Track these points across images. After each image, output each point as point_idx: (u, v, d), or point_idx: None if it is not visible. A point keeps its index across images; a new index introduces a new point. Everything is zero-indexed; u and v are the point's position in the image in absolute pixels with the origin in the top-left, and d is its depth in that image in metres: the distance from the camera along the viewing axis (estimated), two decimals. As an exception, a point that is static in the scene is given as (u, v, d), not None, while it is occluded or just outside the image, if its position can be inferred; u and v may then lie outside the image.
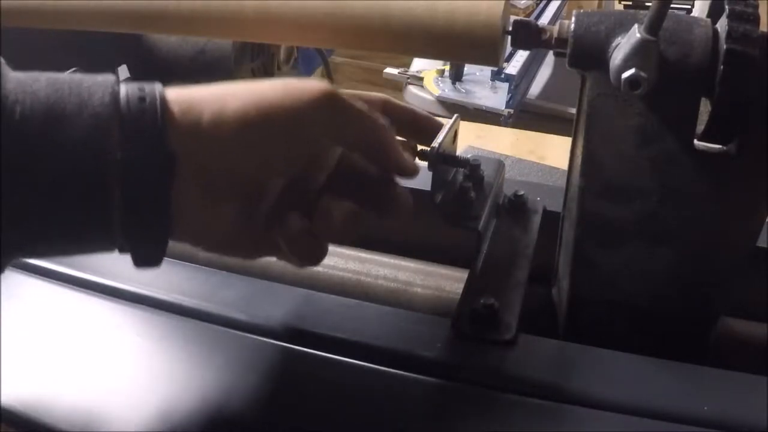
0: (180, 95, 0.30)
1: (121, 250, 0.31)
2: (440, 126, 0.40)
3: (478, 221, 0.42)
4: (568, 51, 0.36)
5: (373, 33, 0.40)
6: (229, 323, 0.40)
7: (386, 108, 0.39)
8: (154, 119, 0.28)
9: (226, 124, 0.30)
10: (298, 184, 0.35)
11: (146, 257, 0.32)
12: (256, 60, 0.74)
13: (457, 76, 1.39)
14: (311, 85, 0.32)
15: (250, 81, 0.32)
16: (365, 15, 0.40)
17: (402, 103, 0.39)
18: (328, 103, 0.32)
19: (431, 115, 0.40)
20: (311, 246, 0.35)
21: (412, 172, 0.36)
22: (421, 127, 0.40)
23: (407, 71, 1.48)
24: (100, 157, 0.27)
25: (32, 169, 0.26)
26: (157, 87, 0.29)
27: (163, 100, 0.29)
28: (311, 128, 0.32)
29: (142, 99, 0.28)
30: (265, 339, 0.39)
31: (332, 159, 0.36)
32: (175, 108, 0.29)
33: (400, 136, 0.39)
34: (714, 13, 0.37)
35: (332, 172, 0.37)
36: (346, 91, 0.37)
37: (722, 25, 0.34)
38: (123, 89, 0.29)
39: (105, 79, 0.29)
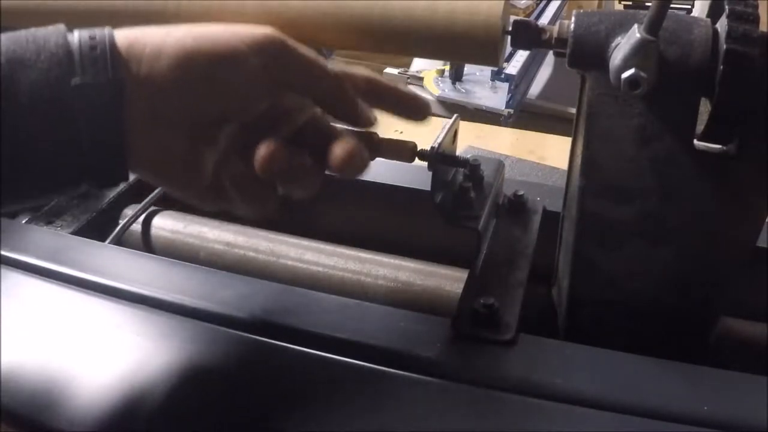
0: (128, 32, 0.32)
1: (87, 176, 0.32)
2: (426, 104, 0.39)
3: (478, 221, 0.42)
4: (568, 51, 0.36)
5: (373, 33, 0.40)
6: (229, 323, 0.40)
7: (370, 85, 0.38)
8: (104, 51, 0.31)
9: (164, 57, 0.31)
10: (252, 128, 0.35)
11: (109, 173, 0.33)
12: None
13: (457, 76, 1.39)
14: (256, 28, 0.33)
15: (200, 23, 0.34)
16: (365, 15, 0.39)
17: (387, 81, 0.39)
18: (271, 46, 0.33)
19: (416, 93, 0.40)
20: (254, 188, 0.36)
21: (366, 121, 0.37)
22: (406, 104, 0.39)
23: (407, 71, 1.48)
24: (59, 89, 0.30)
25: (2, 107, 0.29)
26: (107, 29, 0.32)
27: (111, 36, 0.31)
28: (250, 70, 0.33)
29: (92, 38, 0.31)
30: (265, 339, 0.39)
31: (288, 108, 0.36)
32: (122, 42, 0.31)
33: (389, 113, 0.39)
34: (714, 13, 0.37)
35: (290, 117, 0.37)
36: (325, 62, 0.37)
37: (722, 25, 0.34)
38: (75, 32, 0.31)
39: (56, 27, 0.32)
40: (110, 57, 0.31)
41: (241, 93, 0.33)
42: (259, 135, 0.34)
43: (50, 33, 0.31)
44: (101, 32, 0.32)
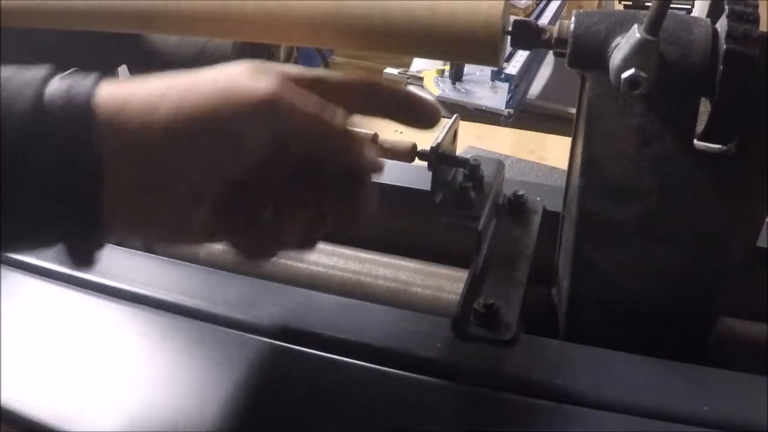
0: (113, 94, 0.29)
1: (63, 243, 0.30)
2: (433, 107, 0.38)
3: (478, 221, 0.42)
4: (568, 51, 0.36)
5: (373, 33, 0.40)
6: (229, 323, 0.40)
7: (372, 92, 0.36)
8: (81, 121, 0.28)
9: (154, 130, 0.29)
10: (251, 182, 0.33)
11: (81, 255, 0.31)
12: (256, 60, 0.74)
13: (457, 76, 1.39)
14: (252, 89, 0.30)
15: (193, 75, 0.30)
16: (365, 15, 0.39)
17: (390, 85, 0.37)
18: (270, 108, 0.30)
19: (423, 96, 0.38)
20: (261, 256, 0.35)
21: (373, 168, 0.35)
22: (413, 108, 0.37)
23: (407, 71, 1.48)
24: (30, 161, 0.27)
25: None
26: (88, 84, 0.29)
27: (89, 103, 0.28)
28: (251, 134, 0.30)
29: (68, 100, 0.28)
30: (264, 339, 0.39)
31: (287, 158, 0.34)
32: (106, 108, 0.28)
33: (393, 119, 0.37)
34: (714, 13, 0.37)
35: (293, 171, 0.35)
36: (318, 74, 0.35)
37: (722, 25, 0.34)
38: (51, 88, 0.28)
39: (34, 76, 0.28)
40: (87, 128, 0.28)
41: (243, 157, 0.31)
42: (255, 181, 0.33)
43: (25, 85, 0.28)
44: (80, 90, 0.28)
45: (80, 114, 0.28)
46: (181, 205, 0.31)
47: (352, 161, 0.34)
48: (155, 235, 0.34)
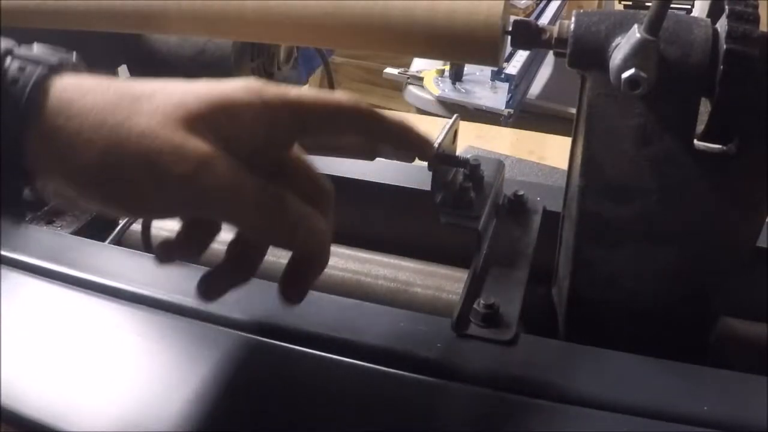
0: (62, 96, 0.28)
1: None
2: (427, 144, 0.37)
3: (478, 221, 0.42)
4: (568, 51, 0.36)
5: (373, 33, 0.40)
6: (229, 323, 0.40)
7: (370, 120, 0.34)
8: (23, 89, 0.27)
9: (76, 163, 0.28)
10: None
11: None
12: (256, 60, 0.74)
13: (457, 76, 1.39)
14: (178, 163, 0.28)
15: (134, 113, 0.28)
16: (365, 15, 0.39)
17: (389, 119, 0.34)
18: (191, 185, 0.28)
19: (418, 132, 0.36)
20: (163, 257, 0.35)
21: (306, 251, 0.33)
22: (411, 142, 0.36)
23: (407, 71, 1.48)
24: None
25: None
26: (36, 77, 0.28)
27: (34, 98, 0.27)
28: (167, 201, 0.29)
29: (21, 68, 0.27)
30: (264, 339, 0.39)
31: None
32: (46, 113, 0.27)
33: (392, 146, 0.36)
34: (714, 13, 0.37)
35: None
36: (304, 99, 0.32)
37: (722, 25, 0.34)
38: (8, 60, 0.28)
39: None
40: (28, 95, 0.27)
41: (156, 210, 0.30)
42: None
43: None
44: (33, 68, 0.28)
45: (23, 97, 0.27)
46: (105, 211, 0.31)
47: (274, 238, 0.32)
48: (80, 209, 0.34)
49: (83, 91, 0.28)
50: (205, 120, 0.29)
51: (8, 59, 0.28)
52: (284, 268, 0.34)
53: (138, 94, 0.29)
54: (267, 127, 0.31)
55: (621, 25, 0.35)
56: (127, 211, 0.31)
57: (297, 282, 0.34)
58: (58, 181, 0.29)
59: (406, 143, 0.36)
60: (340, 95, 0.33)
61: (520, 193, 0.50)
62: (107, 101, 0.28)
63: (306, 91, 0.33)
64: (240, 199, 0.29)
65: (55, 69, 0.28)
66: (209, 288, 0.35)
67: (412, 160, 0.41)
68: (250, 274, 0.36)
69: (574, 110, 0.41)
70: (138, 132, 0.28)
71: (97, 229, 0.53)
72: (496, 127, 1.10)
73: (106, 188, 0.28)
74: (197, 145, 0.28)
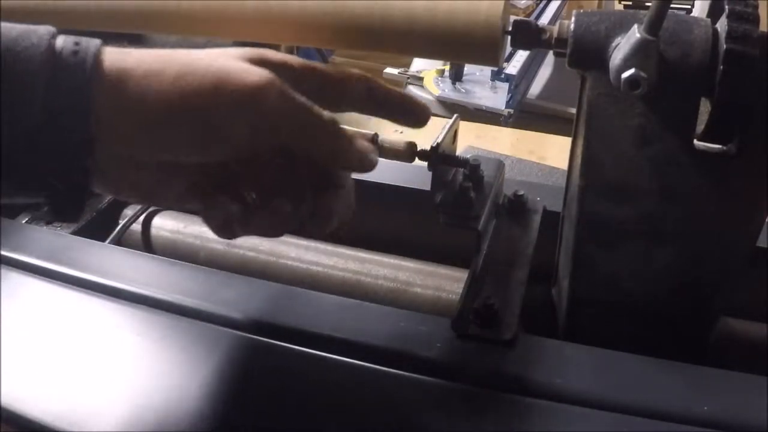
0: (115, 63, 0.29)
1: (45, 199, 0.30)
2: (426, 109, 0.38)
3: (478, 221, 0.42)
4: (568, 51, 0.36)
5: (373, 33, 0.40)
6: (229, 323, 0.40)
7: (370, 92, 0.37)
8: (86, 73, 0.28)
9: (150, 103, 0.29)
10: (231, 163, 0.34)
11: (63, 209, 0.31)
12: (256, 60, 0.74)
13: (457, 76, 1.39)
14: (249, 76, 0.30)
15: (194, 53, 0.31)
16: (365, 15, 0.39)
17: (385, 86, 0.37)
18: (265, 98, 0.30)
19: (416, 98, 0.39)
20: (228, 236, 0.35)
21: (359, 169, 0.35)
22: (406, 109, 0.38)
23: (407, 71, 1.48)
24: (35, 111, 0.27)
25: None
26: (95, 42, 0.29)
27: (96, 57, 0.29)
28: (242, 123, 0.31)
29: (77, 43, 0.29)
30: (265, 339, 0.39)
31: (271, 147, 0.34)
32: (110, 68, 0.29)
33: (387, 118, 0.38)
34: (714, 13, 0.37)
35: (274, 161, 0.35)
36: (321, 67, 0.36)
37: (722, 25, 0.34)
38: (60, 41, 0.29)
39: (44, 30, 0.29)
40: (90, 64, 0.28)
41: (225, 139, 0.31)
42: (235, 163, 0.33)
43: (37, 28, 0.29)
44: (87, 42, 0.29)
45: (86, 66, 0.28)
46: (162, 175, 0.32)
47: (338, 158, 0.34)
48: (132, 196, 0.34)
49: (136, 53, 0.30)
50: (257, 62, 0.32)
51: (60, 37, 0.29)
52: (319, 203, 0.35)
53: (187, 50, 0.31)
54: (294, 85, 0.33)
55: (621, 25, 0.35)
56: (201, 147, 0.31)
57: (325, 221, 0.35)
58: (130, 133, 0.29)
59: (406, 108, 0.38)
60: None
61: (520, 193, 0.50)
62: (164, 52, 0.30)
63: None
64: (308, 114, 0.32)
65: (102, 44, 0.30)
66: (272, 224, 0.34)
67: (412, 160, 0.41)
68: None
69: (574, 110, 0.41)
70: (205, 62, 0.30)
71: (97, 229, 0.53)
72: (496, 127, 1.10)
73: (179, 119, 0.29)
74: (261, 70, 0.31)
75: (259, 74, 0.31)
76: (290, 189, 0.35)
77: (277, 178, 0.35)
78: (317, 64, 0.36)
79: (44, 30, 0.29)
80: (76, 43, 0.29)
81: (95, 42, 0.29)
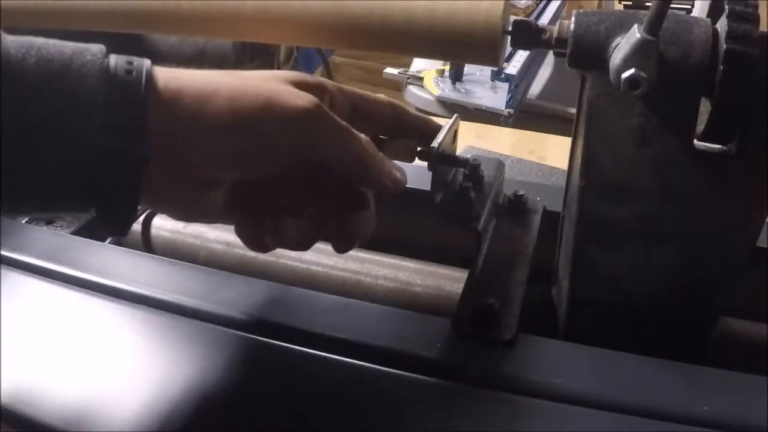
0: (168, 83, 0.30)
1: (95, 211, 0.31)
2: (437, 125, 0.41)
3: (478, 221, 0.42)
4: (568, 51, 0.36)
5: (373, 33, 0.40)
6: (229, 323, 0.40)
7: (394, 114, 0.40)
8: (139, 76, 0.29)
9: (203, 122, 0.30)
10: (269, 179, 0.35)
11: (113, 224, 0.32)
12: (256, 60, 0.74)
13: (457, 76, 1.39)
14: (297, 100, 0.32)
15: (242, 75, 0.33)
16: (365, 15, 0.40)
17: (412, 112, 0.40)
18: (311, 120, 0.33)
19: (435, 122, 0.42)
20: (261, 249, 0.37)
21: (391, 190, 0.37)
22: (427, 133, 0.41)
23: (407, 71, 1.48)
24: (89, 129, 0.28)
25: (21, 133, 0.27)
26: (147, 62, 0.30)
27: (150, 76, 0.30)
28: (288, 143, 0.33)
29: (129, 62, 0.29)
30: (265, 339, 0.39)
31: (309, 166, 0.36)
32: (164, 87, 0.30)
33: (409, 138, 0.41)
34: (714, 13, 0.37)
35: (309, 178, 0.37)
36: (352, 90, 0.38)
37: (722, 25, 0.34)
38: (112, 60, 0.29)
39: (94, 60, 0.29)
40: (145, 83, 0.29)
41: (270, 159, 0.33)
42: (273, 179, 0.35)
43: (89, 46, 0.29)
44: (139, 61, 0.30)
45: (141, 85, 0.29)
46: (206, 191, 0.33)
47: (372, 179, 0.36)
48: (176, 212, 0.36)
49: (187, 73, 0.31)
50: (299, 85, 0.34)
51: (112, 56, 0.30)
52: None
53: (235, 72, 0.34)
54: (329, 104, 0.36)
55: (621, 25, 0.35)
56: (250, 164, 0.32)
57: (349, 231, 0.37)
58: (184, 150, 0.31)
59: (427, 130, 0.41)
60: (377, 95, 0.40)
61: (520, 193, 0.50)
62: (214, 73, 0.32)
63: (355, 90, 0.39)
64: (349, 136, 0.34)
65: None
66: (302, 236, 0.36)
67: (412, 160, 0.41)
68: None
69: (574, 110, 0.41)
70: (255, 83, 0.32)
71: (97, 229, 0.53)
72: (496, 127, 1.10)
73: (232, 138, 0.31)
74: (306, 94, 0.33)
75: (306, 98, 0.33)
76: (319, 206, 0.37)
77: (308, 195, 0.37)
78: (348, 88, 0.38)
79: (96, 48, 0.29)
80: (129, 62, 0.30)
81: (147, 62, 0.30)
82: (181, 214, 0.36)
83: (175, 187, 0.32)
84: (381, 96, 0.40)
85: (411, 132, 0.41)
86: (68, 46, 0.29)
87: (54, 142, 0.28)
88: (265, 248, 0.37)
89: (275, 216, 0.36)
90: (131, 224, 0.32)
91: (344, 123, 0.34)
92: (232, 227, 0.36)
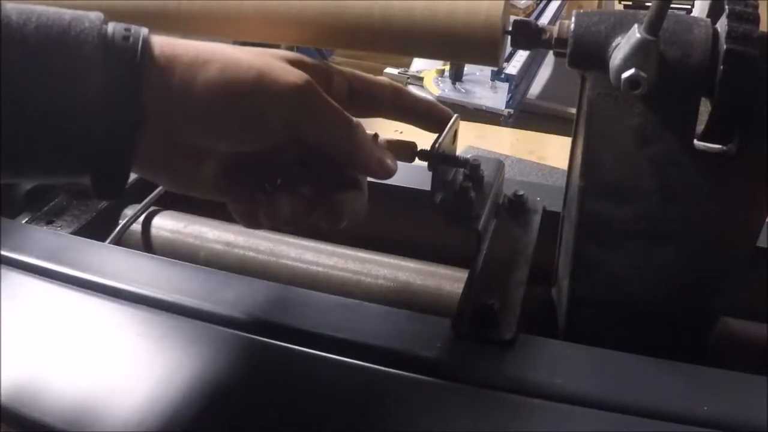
0: (164, 50, 0.31)
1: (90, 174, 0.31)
2: (449, 114, 0.41)
3: (478, 221, 0.42)
4: (568, 51, 0.36)
5: (373, 33, 0.40)
6: (229, 323, 0.40)
7: (397, 97, 0.40)
8: (135, 42, 0.30)
9: (195, 91, 0.31)
10: (261, 155, 0.35)
11: (106, 188, 0.32)
12: (256, 60, 0.73)
13: (457, 76, 1.39)
14: (289, 75, 0.32)
15: (238, 48, 0.33)
16: (365, 15, 0.39)
17: (413, 94, 0.40)
18: (302, 98, 0.33)
19: (440, 104, 0.41)
20: (254, 225, 0.37)
21: (380, 175, 0.37)
22: (433, 116, 0.41)
23: (407, 71, 1.48)
24: (83, 66, 0.29)
25: (20, 97, 0.28)
26: (144, 30, 0.30)
27: (147, 42, 0.30)
28: (277, 118, 0.32)
29: (126, 29, 0.30)
30: (265, 339, 0.39)
31: (300, 144, 0.36)
32: (159, 54, 0.30)
33: (412, 124, 0.41)
34: (714, 13, 0.37)
35: (300, 156, 0.37)
36: (351, 72, 0.38)
37: (722, 25, 0.34)
38: (110, 27, 0.30)
39: (96, 16, 0.30)
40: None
41: (261, 133, 0.33)
42: (265, 155, 0.35)
43: (87, 14, 0.30)
44: (137, 29, 0.31)
45: (137, 51, 0.30)
46: (198, 162, 0.34)
47: (359, 162, 0.36)
48: (168, 181, 0.36)
49: (183, 42, 0.32)
50: (294, 64, 0.34)
51: (111, 23, 0.30)
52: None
53: (231, 45, 0.34)
54: (326, 89, 0.35)
55: (621, 25, 0.35)
56: (239, 136, 0.33)
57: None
58: (175, 117, 0.31)
59: (431, 117, 0.41)
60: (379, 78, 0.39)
61: (520, 193, 0.50)
62: (210, 44, 0.32)
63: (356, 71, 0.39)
64: (339, 118, 0.34)
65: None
66: (293, 213, 0.36)
67: (412, 160, 0.41)
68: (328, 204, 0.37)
69: (574, 110, 0.41)
70: (249, 57, 0.32)
71: (97, 229, 0.53)
72: (496, 127, 1.10)
73: (222, 108, 0.31)
74: (299, 71, 0.33)
75: (298, 75, 0.33)
76: (310, 184, 0.37)
77: (299, 172, 0.37)
78: (348, 70, 0.38)
79: (95, 15, 0.30)
80: (127, 29, 0.30)
81: (144, 29, 0.31)
82: (173, 184, 0.36)
83: (167, 154, 0.33)
84: (382, 78, 0.40)
85: (413, 115, 0.41)
86: (67, 13, 0.29)
87: (52, 106, 0.28)
88: (258, 224, 0.37)
89: (268, 192, 0.36)
90: (123, 189, 0.32)
91: (336, 105, 0.34)
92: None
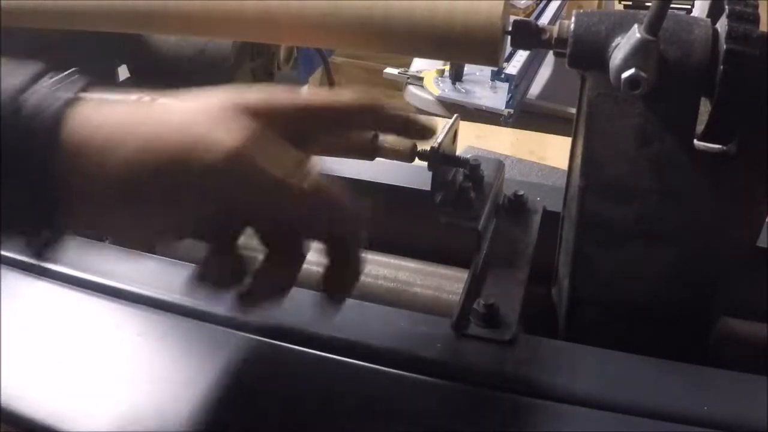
0: (81, 127, 0.28)
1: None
2: (432, 124, 0.38)
3: (478, 221, 0.42)
4: (568, 51, 0.36)
5: (373, 33, 0.40)
6: (230, 323, 0.40)
7: (375, 115, 0.36)
8: (45, 139, 0.27)
9: (110, 173, 0.28)
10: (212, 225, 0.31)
11: (38, 251, 0.30)
12: (256, 60, 0.74)
13: (457, 76, 1.39)
14: (218, 145, 0.28)
15: (169, 113, 0.30)
16: (365, 15, 0.39)
17: (392, 109, 0.36)
18: (233, 167, 0.28)
19: (420, 117, 0.37)
20: (221, 289, 0.33)
21: (348, 232, 0.34)
22: (412, 129, 0.37)
23: (407, 71, 1.48)
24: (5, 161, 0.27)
25: None
26: (60, 103, 0.28)
27: (56, 125, 0.28)
28: (210, 190, 0.29)
29: (37, 114, 0.28)
30: (265, 339, 0.39)
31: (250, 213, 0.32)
32: (74, 133, 0.28)
33: (398, 135, 0.38)
34: (714, 13, 0.37)
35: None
36: (310, 101, 0.34)
37: (722, 25, 0.34)
38: (28, 95, 0.28)
39: (18, 80, 0.28)
40: (51, 129, 0.27)
41: (194, 208, 0.29)
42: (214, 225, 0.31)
43: (12, 85, 0.28)
44: (60, 99, 0.28)
45: (45, 132, 0.27)
46: (137, 234, 0.31)
47: (314, 230, 0.33)
48: (116, 239, 0.34)
49: (104, 112, 0.29)
50: (234, 114, 0.30)
51: (30, 91, 0.28)
52: (324, 273, 0.35)
53: (162, 100, 0.30)
54: (282, 130, 0.31)
55: (621, 25, 0.35)
56: (163, 220, 0.30)
57: (337, 284, 0.35)
58: (90, 199, 0.28)
59: (411, 129, 0.37)
60: (344, 94, 0.34)
61: (520, 193, 0.50)
62: (136, 115, 0.29)
63: (311, 95, 0.34)
64: (280, 187, 0.30)
65: (72, 100, 0.29)
66: (247, 298, 0.33)
67: (411, 160, 0.41)
68: (290, 279, 0.34)
69: (574, 110, 0.41)
70: (176, 127, 0.29)
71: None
72: (496, 127, 1.10)
73: (144, 191, 0.28)
74: (236, 134, 0.29)
75: (233, 138, 0.29)
76: (287, 254, 0.33)
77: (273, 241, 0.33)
78: (319, 101, 0.34)
79: (20, 78, 0.28)
80: (46, 99, 0.28)
81: (60, 102, 0.28)
82: (124, 244, 0.34)
83: (105, 227, 0.31)
84: (357, 98, 0.34)
85: (392, 130, 0.37)
86: None
87: None
88: (224, 290, 0.32)
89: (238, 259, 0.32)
90: (55, 251, 0.30)
91: (275, 175, 0.30)
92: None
